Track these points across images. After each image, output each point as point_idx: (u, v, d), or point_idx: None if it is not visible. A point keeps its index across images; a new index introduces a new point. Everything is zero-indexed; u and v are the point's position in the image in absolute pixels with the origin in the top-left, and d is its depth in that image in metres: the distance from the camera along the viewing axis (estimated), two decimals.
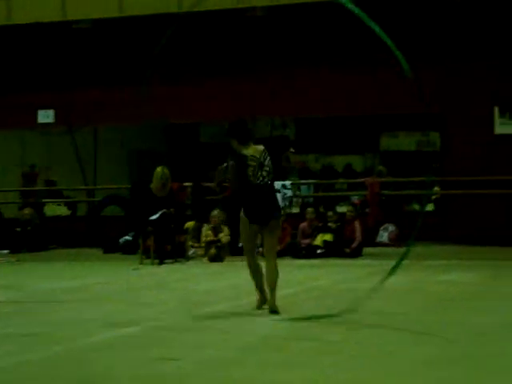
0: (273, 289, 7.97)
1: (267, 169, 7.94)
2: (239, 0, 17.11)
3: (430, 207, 18.82)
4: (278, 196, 17.30)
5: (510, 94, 16.24)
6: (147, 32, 18.37)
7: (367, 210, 16.68)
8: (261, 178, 7.96)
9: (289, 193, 17.55)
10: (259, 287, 8.18)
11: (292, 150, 10.88)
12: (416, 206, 19.15)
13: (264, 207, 8.07)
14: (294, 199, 17.40)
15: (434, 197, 18.64)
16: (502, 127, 16.33)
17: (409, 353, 5.92)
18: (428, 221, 17.13)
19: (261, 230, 8.12)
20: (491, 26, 16.36)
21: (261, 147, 8.00)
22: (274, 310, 7.82)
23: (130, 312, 8.17)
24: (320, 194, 19.35)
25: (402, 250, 15.14)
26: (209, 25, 17.88)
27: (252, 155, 7.92)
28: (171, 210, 14.01)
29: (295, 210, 18.18)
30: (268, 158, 7.96)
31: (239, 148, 8.00)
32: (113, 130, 20.27)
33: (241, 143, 7.99)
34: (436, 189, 18.71)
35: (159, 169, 14.29)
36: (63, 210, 20.24)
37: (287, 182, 17.64)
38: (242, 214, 8.34)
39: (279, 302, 7.94)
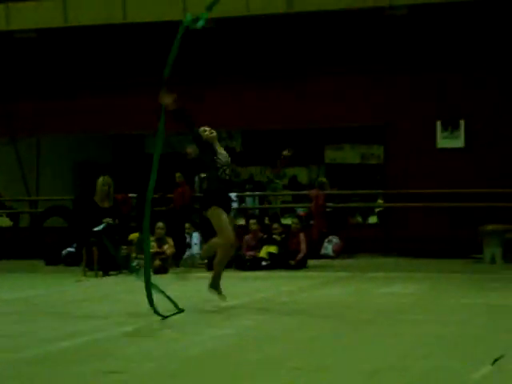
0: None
1: (231, 169, 9.60)
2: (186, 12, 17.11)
3: (373, 220, 19.02)
4: None
5: (452, 109, 16.49)
6: (91, 42, 18.28)
7: (312, 222, 16.77)
8: (229, 175, 9.52)
9: (234, 204, 17.56)
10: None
11: (287, 152, 10.73)
12: (360, 219, 19.35)
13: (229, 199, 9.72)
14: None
15: (377, 209, 18.85)
16: (443, 141, 16.58)
17: (345, 367, 5.96)
18: (371, 233, 17.36)
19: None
20: (436, 40, 16.61)
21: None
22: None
23: (72, 324, 8.08)
24: (266, 205, 19.39)
25: (346, 261, 15.26)
26: (152, 36, 17.83)
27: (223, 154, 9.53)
28: (115, 221, 13.90)
29: (240, 222, 18.22)
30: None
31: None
32: (57, 140, 20.07)
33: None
34: (379, 201, 18.92)
35: (100, 178, 14.22)
36: (5, 221, 19.94)
37: (232, 194, 17.66)
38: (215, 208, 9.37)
39: (227, 313, 7.91)
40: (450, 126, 16.51)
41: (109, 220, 13.83)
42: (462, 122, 16.44)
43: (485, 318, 8.20)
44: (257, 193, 20.04)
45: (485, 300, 9.76)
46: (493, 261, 14.94)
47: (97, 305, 9.86)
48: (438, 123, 16.54)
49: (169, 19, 17.11)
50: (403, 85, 16.78)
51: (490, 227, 15.11)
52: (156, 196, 17.34)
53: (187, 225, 16.02)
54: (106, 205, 14.07)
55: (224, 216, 9.34)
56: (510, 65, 16.18)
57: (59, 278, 13.75)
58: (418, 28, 16.64)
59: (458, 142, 16.48)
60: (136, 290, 11.51)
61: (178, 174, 17.05)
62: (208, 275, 9.28)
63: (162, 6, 17.06)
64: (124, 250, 14.51)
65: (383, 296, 10.35)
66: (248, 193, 20.08)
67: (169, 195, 17.16)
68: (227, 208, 9.49)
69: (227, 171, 9.46)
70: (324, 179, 18.87)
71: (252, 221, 15.54)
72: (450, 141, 16.51)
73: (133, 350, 6.58)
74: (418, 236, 16.40)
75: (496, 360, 5.93)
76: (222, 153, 9.53)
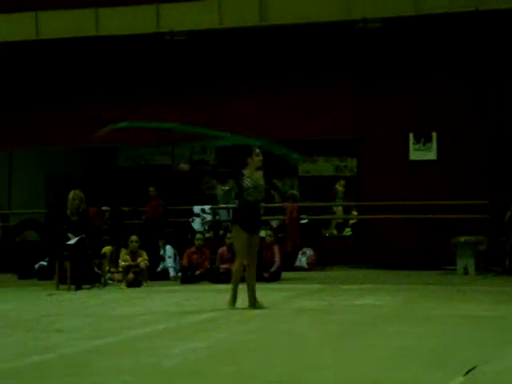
0: (254, 290, 10.07)
1: (259, 191, 10.18)
2: (158, 25, 17.15)
3: (347, 232, 19.06)
4: (198, 220, 17.32)
5: (424, 121, 16.61)
6: (63, 55, 18.21)
7: (286, 235, 16.78)
8: (255, 196, 10.13)
9: (208, 217, 17.55)
10: (236, 289, 10.04)
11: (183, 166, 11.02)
12: (334, 231, 19.37)
13: (255, 219, 10.22)
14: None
15: (351, 222, 18.89)
16: (416, 153, 16.69)
17: (322, 377, 5.95)
18: (345, 245, 17.42)
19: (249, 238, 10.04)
20: (409, 54, 16.73)
21: (259, 172, 10.24)
22: (258, 307, 9.93)
23: (45, 339, 8.01)
24: None
25: (320, 274, 15.29)
26: (125, 49, 17.83)
27: (248, 176, 10.14)
28: (83, 235, 13.78)
29: (208, 235, 18.11)
30: (262, 181, 10.32)
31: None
32: (29, 154, 19.94)
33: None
34: (353, 213, 18.97)
35: (71, 192, 14.17)
36: None
37: (206, 207, 17.65)
38: (237, 228, 10.08)
39: (199, 327, 7.88)
40: (423, 139, 16.62)
41: (71, 236, 13.73)
42: (434, 135, 16.56)
43: (458, 330, 8.22)
44: (230, 205, 20.01)
45: (457, 311, 9.80)
46: (465, 272, 15.03)
47: (69, 319, 9.78)
48: (411, 135, 16.65)
49: (142, 32, 17.17)
50: (376, 98, 16.88)
51: (462, 239, 15.20)
52: (127, 209, 17.33)
53: (161, 242, 15.99)
54: (76, 217, 14.00)
55: (243, 237, 10.00)
56: (482, 78, 16.33)
57: (32, 291, 13.63)
58: (391, 41, 16.77)
59: (431, 155, 16.60)
60: (108, 304, 11.47)
61: (151, 188, 17.02)
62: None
63: (135, 19, 17.08)
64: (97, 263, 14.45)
65: (357, 308, 10.36)
66: (222, 205, 20.04)
67: (141, 208, 17.14)
68: (250, 228, 10.06)
69: (252, 194, 10.06)
70: (296, 192, 18.91)
71: (229, 234, 15.51)
72: (422, 153, 16.62)
73: (105, 364, 6.53)
74: (392, 248, 16.47)
75: (468, 371, 5.95)
76: (252, 177, 10.16)
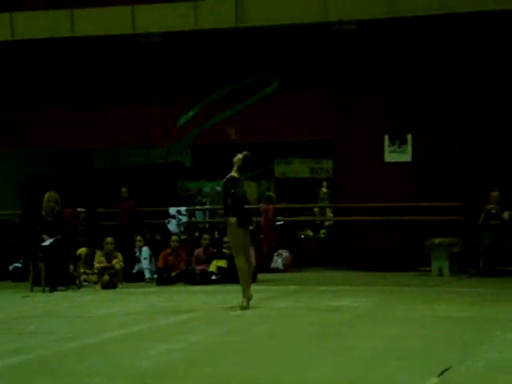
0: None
1: (241, 186, 10.74)
2: (134, 26, 17.09)
3: (322, 233, 19.09)
4: (173, 222, 17.28)
5: (400, 123, 16.68)
6: (38, 55, 18.10)
7: (261, 236, 16.77)
8: (240, 192, 10.65)
9: (184, 219, 17.52)
10: (247, 286, 10.37)
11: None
12: (309, 232, 19.40)
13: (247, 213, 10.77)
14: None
15: (326, 223, 18.93)
16: (391, 155, 16.75)
17: (297, 379, 5.96)
18: (321, 247, 17.45)
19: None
20: (384, 55, 16.79)
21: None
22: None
23: (17, 341, 7.96)
24: (217, 219, 19.33)
25: (296, 275, 15.33)
26: (100, 50, 17.76)
27: (238, 178, 10.68)
28: (58, 236, 13.70)
29: (184, 236, 18.09)
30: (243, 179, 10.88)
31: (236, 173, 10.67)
32: (3, 155, 19.78)
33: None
34: (329, 215, 19.01)
35: (47, 194, 14.10)
36: None
37: (182, 208, 17.62)
38: (233, 222, 10.44)
39: (175, 328, 7.87)
40: (398, 141, 16.69)
41: (46, 237, 13.66)
42: (409, 137, 16.64)
43: (432, 331, 8.27)
44: (207, 206, 19.99)
45: (432, 312, 9.86)
46: (440, 273, 15.10)
47: (44, 321, 9.73)
48: (386, 137, 16.71)
49: (118, 33, 17.10)
50: (352, 99, 16.93)
51: (437, 240, 15.28)
52: (99, 210, 17.19)
53: (138, 237, 15.93)
54: (50, 218, 13.93)
55: (243, 237, 10.52)
56: (458, 79, 16.43)
57: (6, 293, 13.55)
58: (367, 43, 16.82)
59: (406, 156, 16.67)
60: (83, 306, 11.43)
61: (124, 189, 16.88)
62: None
63: (111, 20, 17.02)
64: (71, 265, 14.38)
65: (333, 310, 10.38)
66: (198, 207, 20.02)
67: (111, 210, 17.01)
68: (246, 223, 10.61)
69: (239, 190, 10.62)
70: (272, 193, 18.93)
71: (206, 235, 15.51)
72: (397, 155, 16.68)
73: (80, 367, 6.51)
74: (367, 249, 16.52)
75: (443, 372, 5.99)
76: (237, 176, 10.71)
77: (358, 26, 16.30)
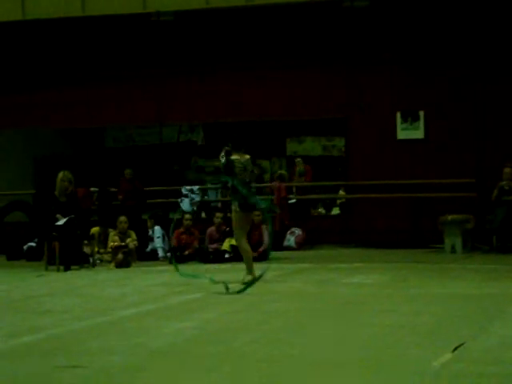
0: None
1: (249, 172, 10.82)
2: (145, 5, 17.07)
3: (335, 211, 19.10)
4: (186, 201, 17.29)
5: (412, 100, 16.62)
6: (50, 35, 18.10)
7: (274, 214, 16.79)
8: (247, 177, 10.74)
9: (196, 198, 17.52)
10: (251, 268, 10.66)
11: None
12: (322, 210, 19.42)
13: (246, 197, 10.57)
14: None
15: (339, 201, 18.94)
16: (403, 132, 16.70)
17: (312, 356, 5.99)
18: (333, 224, 17.46)
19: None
20: (396, 32, 16.71)
21: (247, 156, 10.84)
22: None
23: (34, 319, 8.03)
24: (228, 198, 19.36)
25: (309, 253, 15.35)
26: (112, 29, 17.75)
27: (238, 160, 10.69)
28: (71, 216, 13.74)
29: (203, 215, 18.20)
30: (251, 164, 10.96)
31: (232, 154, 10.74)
32: (16, 135, 19.86)
33: (233, 150, 10.78)
34: (341, 193, 19.02)
35: (60, 173, 14.10)
36: None
37: (195, 187, 17.62)
38: (235, 207, 10.66)
39: (188, 307, 7.90)
40: (410, 118, 16.64)
41: (59, 217, 13.70)
42: (421, 113, 16.58)
43: (445, 307, 8.29)
44: (219, 185, 20.02)
45: (445, 290, 9.87)
46: (453, 250, 15.11)
47: (58, 299, 9.80)
48: (398, 114, 16.66)
49: (127, 12, 17.08)
50: (364, 77, 16.87)
51: (449, 217, 15.27)
52: (112, 190, 17.14)
53: (150, 220, 15.95)
54: (64, 198, 13.96)
55: (244, 220, 10.79)
56: (471, 56, 16.34)
57: (21, 272, 13.64)
58: (379, 20, 16.73)
59: (418, 133, 16.62)
60: (97, 284, 11.50)
61: (128, 171, 16.64)
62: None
63: None
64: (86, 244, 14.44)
65: (346, 287, 10.42)
66: (210, 185, 20.06)
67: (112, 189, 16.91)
68: (249, 208, 10.77)
69: (243, 175, 10.72)
70: (284, 171, 18.92)
71: (218, 214, 15.54)
72: (409, 132, 16.63)
73: (95, 345, 6.56)
74: (380, 227, 16.53)
75: (456, 348, 6.01)
76: (241, 160, 10.79)
77: (370, 2, 16.22)
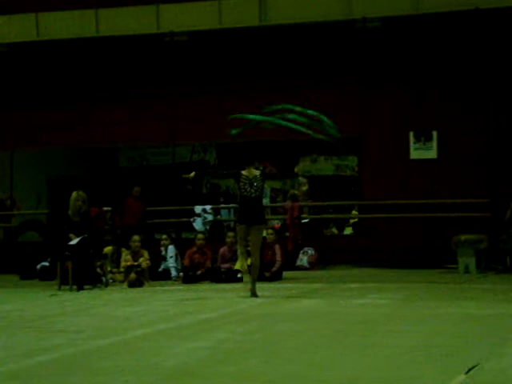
0: (254, 278, 11.45)
1: (255, 187, 11.35)
2: (159, 26, 17.18)
3: (348, 231, 19.08)
4: (199, 220, 17.32)
5: (424, 120, 16.63)
6: (63, 55, 18.24)
7: (287, 234, 16.79)
8: (251, 192, 11.35)
9: (209, 217, 17.56)
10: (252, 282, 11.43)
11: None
12: (335, 230, 19.39)
13: (251, 212, 11.35)
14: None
15: (352, 221, 18.91)
16: (416, 152, 16.70)
17: (324, 376, 5.97)
18: (346, 244, 17.45)
19: (247, 230, 11.42)
20: (410, 52, 16.75)
21: (256, 172, 11.46)
22: (254, 294, 11.32)
23: (47, 339, 8.03)
24: None
25: (322, 273, 15.32)
26: (125, 50, 17.85)
27: (245, 176, 11.38)
28: (84, 235, 13.77)
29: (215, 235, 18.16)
30: (259, 180, 11.38)
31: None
32: (30, 155, 19.96)
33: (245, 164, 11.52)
34: (354, 212, 18.99)
35: (74, 193, 14.15)
36: None
37: (207, 207, 17.66)
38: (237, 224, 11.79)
39: (200, 327, 7.89)
40: (423, 137, 16.64)
41: (73, 236, 13.73)
42: (434, 133, 16.58)
43: (459, 328, 8.24)
44: (231, 205, 20.04)
45: (459, 310, 9.82)
46: (467, 270, 15.05)
47: (71, 319, 9.80)
48: (411, 134, 16.67)
49: (142, 33, 17.20)
50: (377, 96, 16.91)
51: (463, 237, 15.22)
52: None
53: (164, 236, 15.95)
54: (77, 218, 14.00)
55: (241, 229, 11.57)
56: (483, 75, 16.35)
57: (34, 292, 13.65)
58: (391, 40, 16.79)
59: (431, 153, 16.61)
60: (110, 304, 11.50)
61: (136, 188, 16.55)
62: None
63: (136, 20, 17.12)
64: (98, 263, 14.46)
65: (358, 307, 10.38)
66: (222, 205, 20.08)
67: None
68: (246, 220, 11.43)
69: (248, 190, 11.39)
70: (296, 191, 18.91)
71: (230, 233, 15.55)
72: (422, 152, 16.63)
73: (108, 364, 6.56)
74: (393, 247, 16.49)
75: (470, 369, 5.97)
76: (250, 175, 11.43)
77: (382, 22, 16.27)
